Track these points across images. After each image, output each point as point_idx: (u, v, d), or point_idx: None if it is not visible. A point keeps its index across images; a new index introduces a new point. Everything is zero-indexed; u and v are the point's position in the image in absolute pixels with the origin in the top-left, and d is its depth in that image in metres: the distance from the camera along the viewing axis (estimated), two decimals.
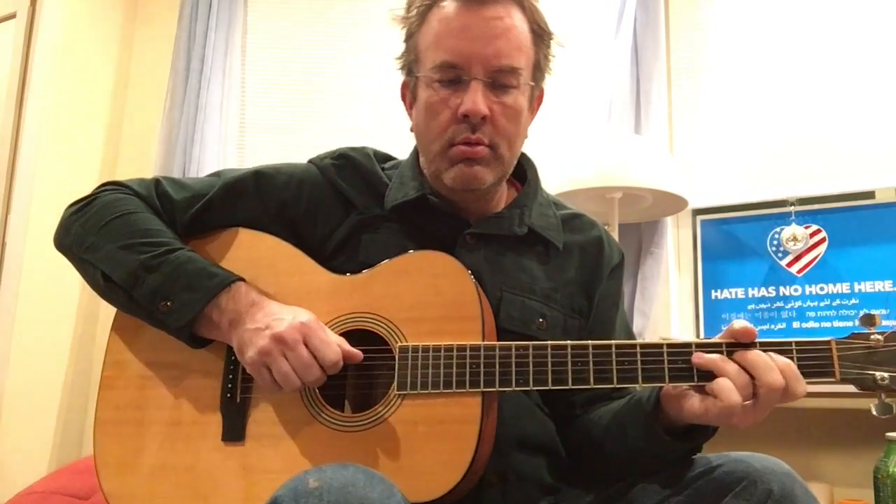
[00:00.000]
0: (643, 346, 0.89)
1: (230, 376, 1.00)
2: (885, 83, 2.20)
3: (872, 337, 0.86)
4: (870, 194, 2.22)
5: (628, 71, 2.44)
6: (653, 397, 0.94)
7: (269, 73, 2.97)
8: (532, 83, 1.07)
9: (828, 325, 2.20)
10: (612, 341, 0.91)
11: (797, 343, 0.87)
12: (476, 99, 1.00)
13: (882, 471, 1.56)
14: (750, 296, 2.31)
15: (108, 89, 3.13)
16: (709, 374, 0.87)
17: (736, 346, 0.88)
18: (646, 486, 0.94)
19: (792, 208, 2.28)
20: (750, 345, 0.87)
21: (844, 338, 0.88)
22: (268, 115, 2.94)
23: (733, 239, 2.39)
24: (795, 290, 2.25)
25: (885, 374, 0.85)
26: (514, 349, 0.92)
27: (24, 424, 2.76)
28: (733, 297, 2.33)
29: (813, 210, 2.27)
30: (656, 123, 2.39)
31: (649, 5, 2.48)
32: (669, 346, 0.89)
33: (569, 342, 0.92)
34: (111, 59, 3.15)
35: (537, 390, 0.93)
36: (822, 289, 2.22)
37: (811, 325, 2.22)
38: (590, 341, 0.91)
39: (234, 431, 0.97)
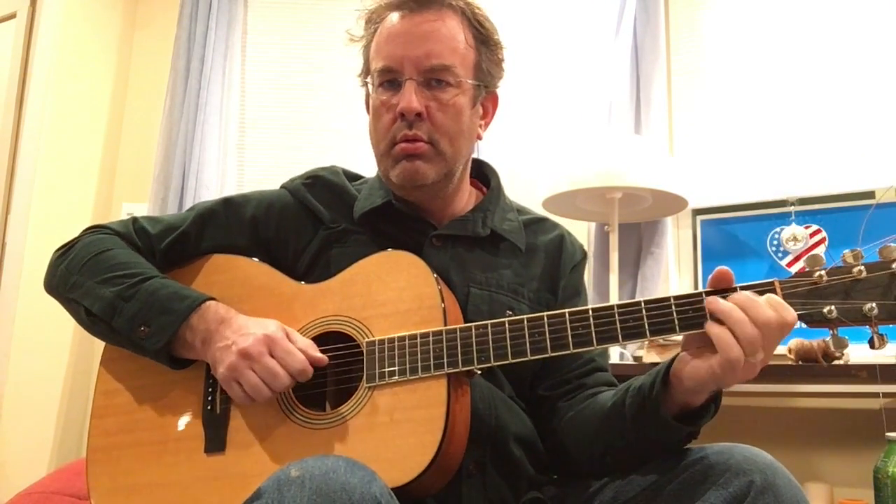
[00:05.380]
0: (595, 309, 0.91)
1: (209, 390, 1.04)
2: (885, 83, 2.21)
3: (816, 274, 0.86)
4: (870, 194, 2.23)
5: (628, 71, 2.44)
6: (658, 381, 0.92)
7: (269, 73, 2.97)
8: (476, 83, 1.11)
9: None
10: (566, 310, 0.92)
11: (742, 287, 0.87)
12: (409, 98, 1.05)
13: (882, 471, 1.56)
14: None
15: (108, 89, 3.13)
16: (662, 329, 0.87)
17: (688, 296, 0.87)
18: (630, 482, 0.95)
19: (792, 208, 2.28)
20: (727, 290, 0.87)
21: (788, 277, 0.88)
22: (268, 114, 2.94)
23: (733, 239, 2.39)
24: None
25: (833, 307, 0.85)
26: (473, 329, 0.94)
27: (24, 424, 2.76)
28: None
29: (813, 210, 2.28)
30: (656, 123, 2.39)
31: (649, 5, 2.48)
32: (620, 306, 0.90)
33: (525, 316, 0.93)
34: (111, 58, 3.15)
35: (500, 365, 0.94)
36: None
37: None
38: (545, 313, 0.93)
39: (215, 442, 1.01)
